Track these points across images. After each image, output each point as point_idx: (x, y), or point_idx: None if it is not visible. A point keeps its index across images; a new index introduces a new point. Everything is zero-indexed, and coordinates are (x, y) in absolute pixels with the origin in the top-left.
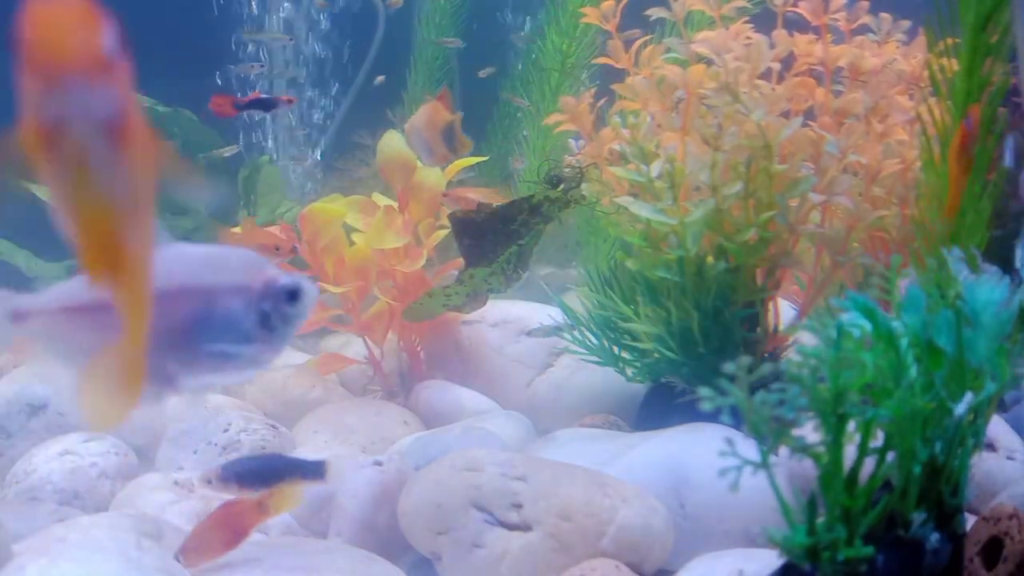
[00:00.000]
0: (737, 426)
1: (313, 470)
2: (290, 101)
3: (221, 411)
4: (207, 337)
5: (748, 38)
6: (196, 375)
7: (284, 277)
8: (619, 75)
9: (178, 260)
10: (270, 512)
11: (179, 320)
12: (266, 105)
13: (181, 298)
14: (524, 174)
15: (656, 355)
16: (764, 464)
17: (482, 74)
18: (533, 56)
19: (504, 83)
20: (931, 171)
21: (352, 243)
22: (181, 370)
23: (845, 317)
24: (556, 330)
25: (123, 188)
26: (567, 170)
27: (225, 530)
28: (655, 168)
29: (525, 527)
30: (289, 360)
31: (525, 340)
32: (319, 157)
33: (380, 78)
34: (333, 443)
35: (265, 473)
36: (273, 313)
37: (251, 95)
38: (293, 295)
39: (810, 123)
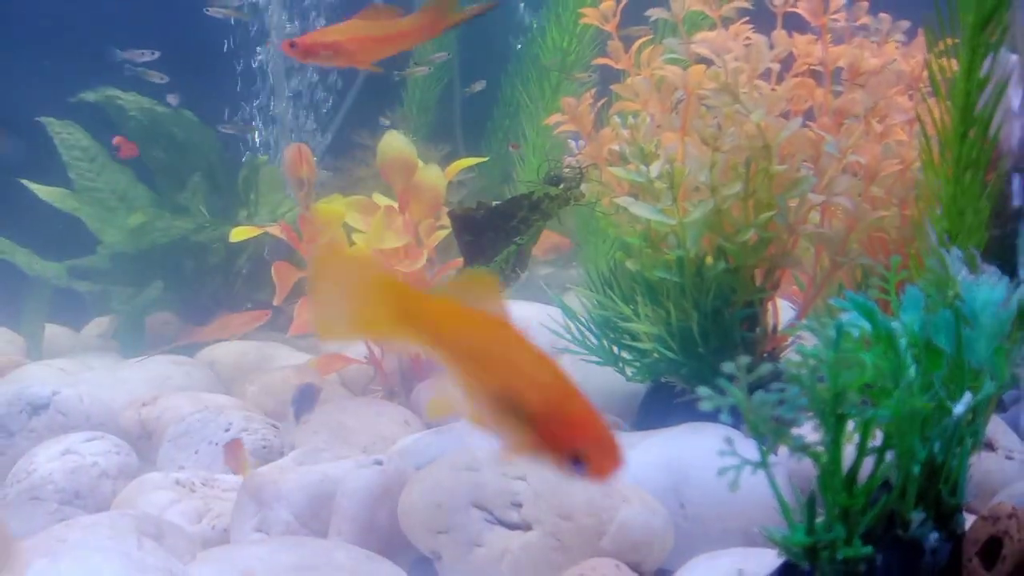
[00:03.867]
0: (736, 426)
1: None
2: None
3: (222, 411)
4: None
5: (747, 39)
6: None
7: None
8: (618, 74)
9: None
10: None
11: None
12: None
13: None
14: (523, 173)
15: (656, 355)
16: (763, 464)
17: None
18: (534, 53)
19: (506, 82)
20: (930, 171)
21: (352, 243)
22: None
23: (844, 317)
24: None
25: None
26: (567, 170)
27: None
28: (655, 168)
29: (525, 526)
30: (290, 360)
31: None
32: (320, 156)
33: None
34: (333, 443)
35: None
36: None
37: None
38: None
39: (809, 123)
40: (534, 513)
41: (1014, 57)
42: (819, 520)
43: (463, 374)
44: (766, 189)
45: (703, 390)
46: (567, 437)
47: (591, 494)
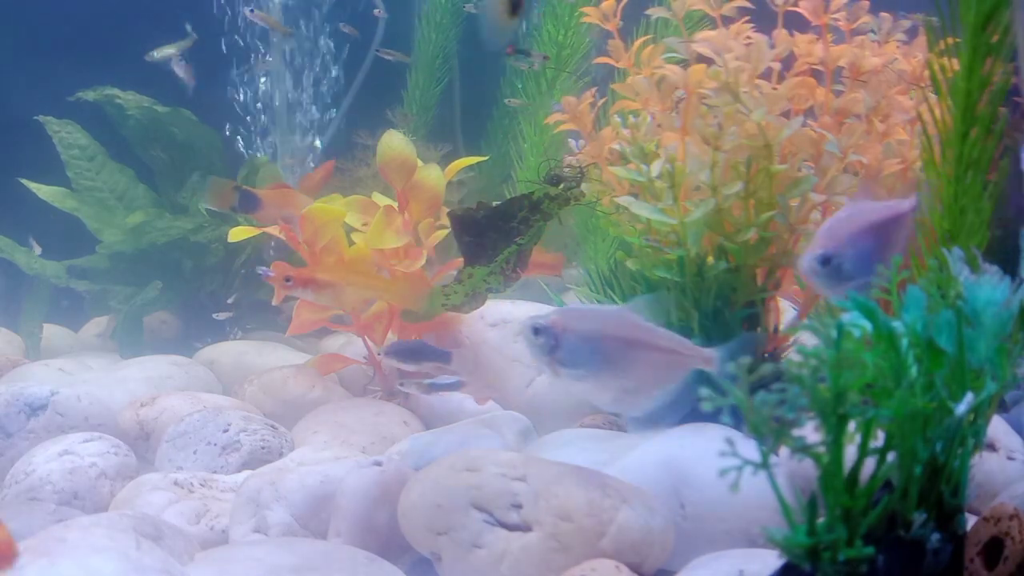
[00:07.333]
0: (737, 426)
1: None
2: None
3: (221, 411)
4: None
5: (748, 38)
6: None
7: None
8: (617, 73)
9: None
10: None
11: None
12: None
13: None
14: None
15: None
16: (764, 464)
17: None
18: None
19: (505, 82)
20: (932, 171)
21: (352, 243)
22: None
23: (845, 317)
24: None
25: None
26: (567, 169)
27: None
28: (655, 168)
29: (525, 527)
30: (289, 360)
31: None
32: (318, 155)
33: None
34: (333, 443)
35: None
36: None
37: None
38: None
39: (810, 123)
40: (534, 514)
41: None
42: (820, 521)
43: None
44: (767, 188)
45: (704, 390)
46: None
47: (591, 495)
